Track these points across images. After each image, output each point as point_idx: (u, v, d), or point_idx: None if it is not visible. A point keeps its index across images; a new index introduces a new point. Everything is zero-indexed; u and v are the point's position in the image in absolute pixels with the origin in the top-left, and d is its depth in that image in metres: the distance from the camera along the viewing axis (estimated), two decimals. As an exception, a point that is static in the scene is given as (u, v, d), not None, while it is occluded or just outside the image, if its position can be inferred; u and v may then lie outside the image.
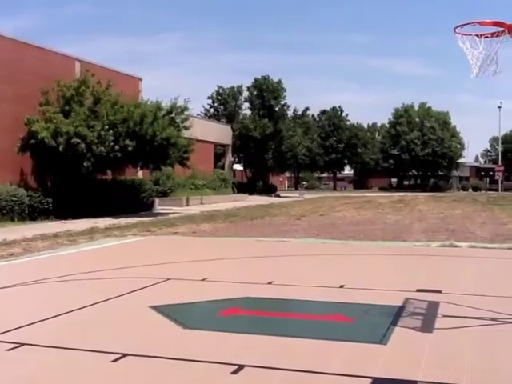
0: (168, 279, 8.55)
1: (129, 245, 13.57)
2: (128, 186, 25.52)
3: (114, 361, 4.77)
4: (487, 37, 6.16)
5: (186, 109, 25.64)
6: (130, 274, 9.11)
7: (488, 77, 6.33)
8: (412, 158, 78.12)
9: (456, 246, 12.77)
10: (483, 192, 68.28)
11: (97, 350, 5.05)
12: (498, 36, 6.09)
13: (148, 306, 6.68)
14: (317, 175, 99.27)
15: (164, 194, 31.27)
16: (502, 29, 6.01)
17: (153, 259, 10.85)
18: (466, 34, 6.23)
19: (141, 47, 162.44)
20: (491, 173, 75.24)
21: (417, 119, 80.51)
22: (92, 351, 5.02)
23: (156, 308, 6.59)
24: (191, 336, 5.60)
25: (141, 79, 31.54)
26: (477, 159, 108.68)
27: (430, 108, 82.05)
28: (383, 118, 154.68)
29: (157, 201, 28.44)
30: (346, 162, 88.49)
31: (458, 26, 6.21)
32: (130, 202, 24.68)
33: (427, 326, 5.86)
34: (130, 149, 22.04)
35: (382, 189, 78.95)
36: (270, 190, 54.25)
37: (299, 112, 69.18)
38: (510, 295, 7.48)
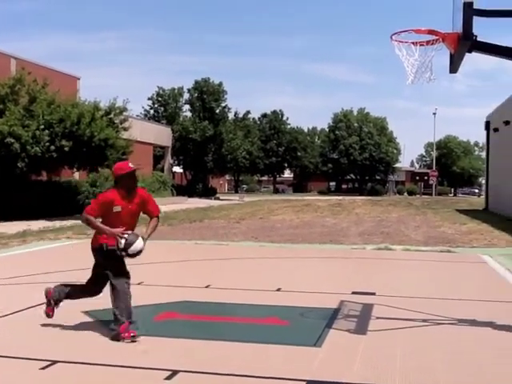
0: (103, 283, 8.35)
1: (63, 248, 13.23)
2: (64, 187, 24.93)
3: (43, 368, 4.62)
4: (422, 44, 6.30)
5: (124, 109, 25.32)
6: (63, 278, 8.84)
7: (423, 83, 6.47)
8: (350, 162, 79.64)
9: (390, 249, 13.05)
10: (418, 196, 70.15)
11: (25, 357, 4.88)
12: (432, 44, 6.23)
13: (81, 312, 6.51)
14: (257, 178, 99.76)
15: (101, 196, 30.63)
16: (436, 37, 6.15)
17: (88, 263, 10.53)
18: (402, 42, 6.35)
19: (80, 45, 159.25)
20: (426, 177, 77.38)
21: (355, 124, 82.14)
22: (20, 358, 4.86)
23: (89, 313, 6.43)
24: (126, 342, 5.48)
25: (79, 78, 30.94)
26: (412, 164, 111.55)
27: (368, 113, 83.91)
28: (323, 123, 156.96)
29: (94, 203, 27.84)
30: (285, 165, 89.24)
31: (394, 34, 6.33)
32: (66, 204, 24.08)
33: (361, 328, 5.94)
34: (66, 149, 21.55)
35: (321, 192, 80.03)
36: (210, 193, 54.13)
37: (240, 115, 69.30)
38: (441, 297, 7.68)
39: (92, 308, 6.65)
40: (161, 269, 10.28)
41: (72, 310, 6.63)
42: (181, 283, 8.55)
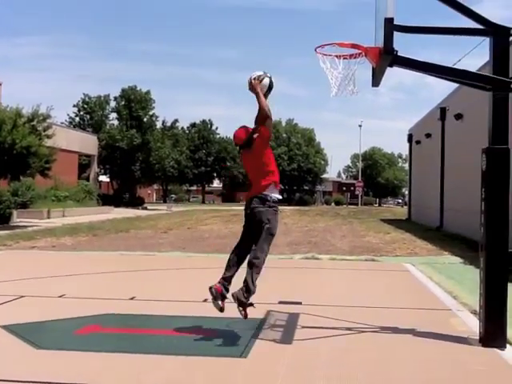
0: (22, 296, 8.05)
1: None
2: (-17, 196, 23.93)
3: (-45, 387, 4.39)
4: (346, 58, 6.43)
5: (48, 117, 24.66)
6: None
7: (346, 96, 6.60)
8: (279, 172, 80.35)
9: (317, 259, 13.21)
10: (345, 206, 71.65)
11: None
12: (355, 58, 6.37)
13: (-2, 326, 6.23)
14: (186, 188, 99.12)
15: (23, 205, 29.61)
16: (359, 51, 6.29)
17: (7, 275, 10.19)
18: (326, 55, 6.45)
19: (1, 50, 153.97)
20: (352, 188, 79.22)
21: (284, 135, 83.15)
22: None
23: (6, 327, 6.16)
24: (45, 356, 5.29)
25: (0, 84, 29.83)
26: (339, 175, 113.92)
27: (296, 124, 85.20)
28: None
29: (15, 213, 26.89)
30: (214, 175, 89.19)
31: (319, 46, 6.42)
32: (-15, 214, 23.15)
33: (287, 337, 5.96)
34: (-15, 157, 20.75)
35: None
36: (137, 203, 53.33)
37: (168, 124, 68.86)
38: (365, 305, 7.82)
39: (11, 322, 6.39)
40: (84, 281, 10.01)
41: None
42: (105, 295, 8.35)
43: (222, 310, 5.94)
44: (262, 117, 6.08)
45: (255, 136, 6.08)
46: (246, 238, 6.17)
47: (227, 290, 5.96)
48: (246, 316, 5.84)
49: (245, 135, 6.13)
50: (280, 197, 6.32)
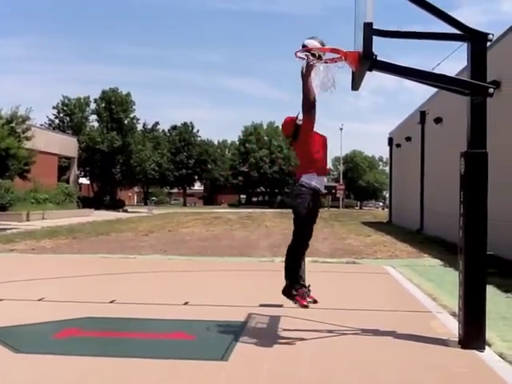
0: (1, 300, 7.97)
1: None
2: (-39, 199, 23.70)
3: None
4: (326, 62, 6.45)
5: (27, 118, 24.49)
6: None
7: (328, 101, 6.63)
8: (260, 175, 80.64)
9: (298, 261, 13.20)
10: (326, 209, 71.81)
11: None
12: (335, 62, 6.39)
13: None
14: (167, 190, 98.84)
15: (2, 208, 29.38)
16: (338, 55, 6.31)
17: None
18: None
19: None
20: (333, 191, 79.45)
21: (265, 138, 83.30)
22: None
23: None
24: (23, 360, 5.24)
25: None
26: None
27: (277, 127, 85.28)
28: (233, 136, 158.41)
29: (-7, 216, 26.66)
30: (196, 177, 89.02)
31: (299, 50, 6.44)
32: (-37, 217, 22.91)
33: (268, 340, 5.96)
34: (-37, 159, 20.53)
35: (232, 205, 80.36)
36: (118, 205, 53.07)
37: (149, 126, 68.64)
38: (346, 308, 7.86)
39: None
40: (63, 284, 9.93)
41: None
42: (84, 298, 8.28)
43: (314, 302, 6.48)
44: (307, 106, 6.24)
45: (299, 124, 6.34)
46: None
47: (300, 284, 6.57)
48: (315, 301, 6.48)
49: (291, 127, 6.43)
50: (317, 185, 6.35)
